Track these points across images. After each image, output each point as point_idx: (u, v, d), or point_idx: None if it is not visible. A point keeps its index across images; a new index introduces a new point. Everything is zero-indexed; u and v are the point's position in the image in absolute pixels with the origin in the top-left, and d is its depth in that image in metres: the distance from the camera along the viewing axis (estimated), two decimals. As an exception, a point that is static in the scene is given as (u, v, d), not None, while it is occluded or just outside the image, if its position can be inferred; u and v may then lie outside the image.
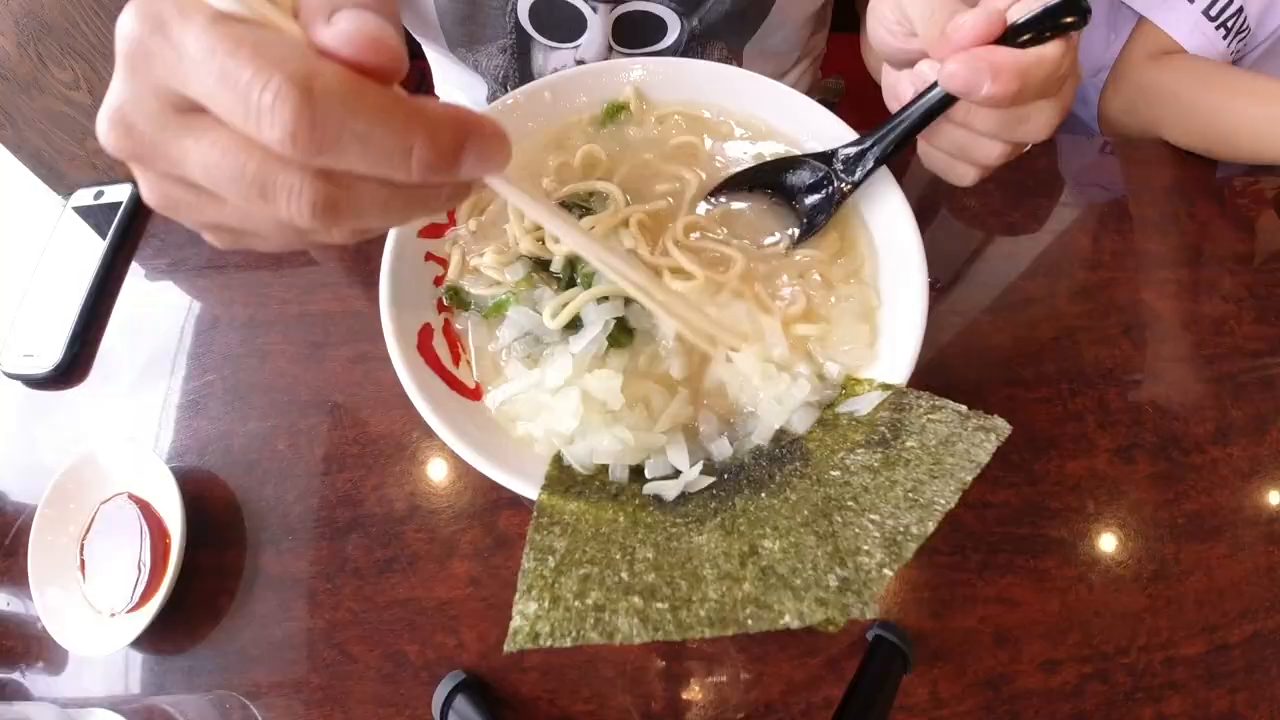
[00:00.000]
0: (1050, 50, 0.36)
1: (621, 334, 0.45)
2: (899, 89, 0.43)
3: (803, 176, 0.48)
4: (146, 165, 0.26)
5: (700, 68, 0.54)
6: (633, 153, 0.53)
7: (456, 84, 0.80)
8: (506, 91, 0.71)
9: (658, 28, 0.66)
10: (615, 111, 0.54)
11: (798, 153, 0.50)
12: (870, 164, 0.45)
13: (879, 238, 0.48)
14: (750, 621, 0.33)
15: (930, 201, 0.67)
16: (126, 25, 0.24)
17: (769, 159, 0.51)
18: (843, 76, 0.95)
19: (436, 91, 0.87)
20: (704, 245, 0.49)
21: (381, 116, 0.23)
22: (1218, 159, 0.70)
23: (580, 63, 0.67)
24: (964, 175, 0.43)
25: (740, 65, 0.71)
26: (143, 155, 0.25)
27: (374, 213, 0.26)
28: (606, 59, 0.67)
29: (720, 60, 0.70)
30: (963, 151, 0.42)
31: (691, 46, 0.67)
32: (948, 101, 0.40)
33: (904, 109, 0.42)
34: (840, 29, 0.81)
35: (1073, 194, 0.68)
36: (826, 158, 0.47)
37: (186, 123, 0.24)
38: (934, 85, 0.40)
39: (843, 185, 0.46)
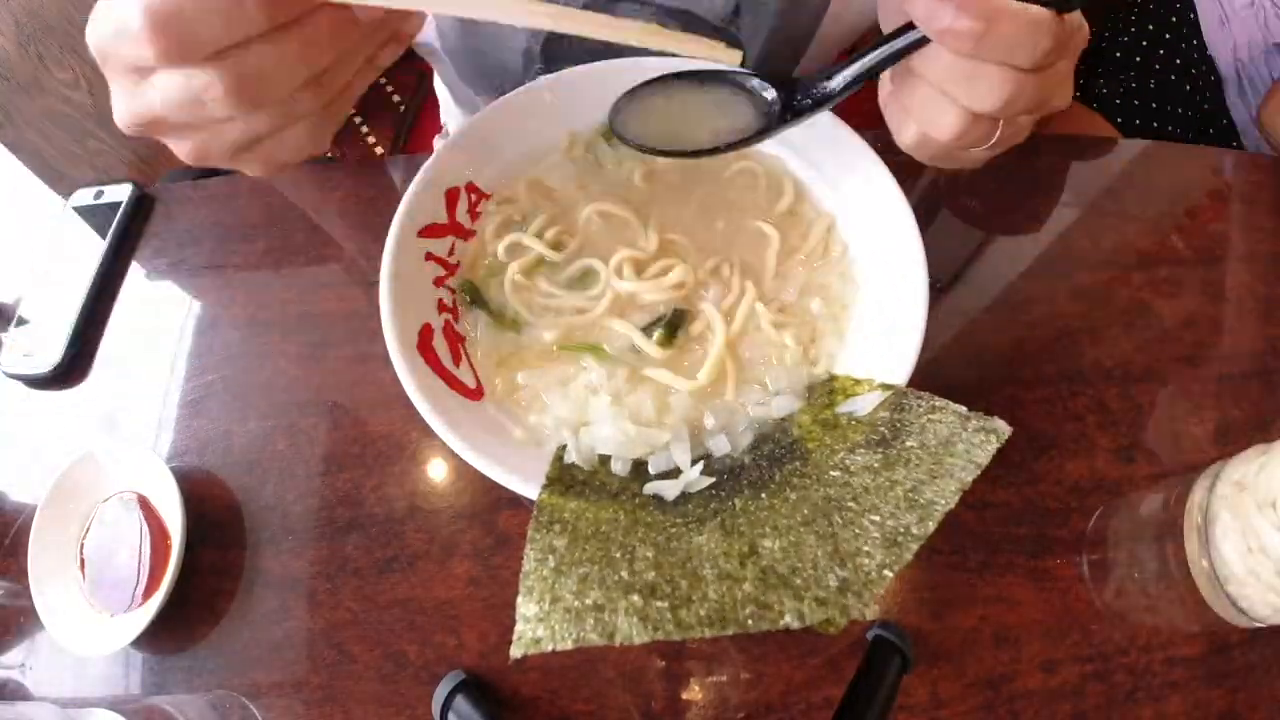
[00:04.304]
0: (1032, 11, 0.33)
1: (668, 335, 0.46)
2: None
3: (744, 86, 0.44)
4: (149, 126, 0.35)
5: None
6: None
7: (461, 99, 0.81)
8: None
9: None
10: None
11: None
12: (828, 89, 0.41)
13: (879, 238, 0.49)
14: (750, 621, 0.33)
15: (930, 201, 0.67)
16: (91, 45, 0.33)
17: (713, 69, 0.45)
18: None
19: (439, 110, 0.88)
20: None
21: None
22: None
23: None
24: (909, 138, 0.41)
25: None
26: (144, 118, 0.34)
27: (289, 83, 0.32)
28: None
29: None
30: (922, 117, 0.39)
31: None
32: (912, 46, 0.37)
33: (871, 47, 0.39)
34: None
35: (1073, 194, 0.68)
36: (781, 83, 0.43)
37: (145, 78, 0.32)
38: (906, 28, 0.37)
39: (799, 103, 0.42)
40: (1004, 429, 0.37)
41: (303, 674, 0.49)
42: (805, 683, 0.48)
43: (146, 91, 0.32)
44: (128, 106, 0.34)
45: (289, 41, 0.31)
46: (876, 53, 0.39)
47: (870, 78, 0.40)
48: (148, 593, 0.50)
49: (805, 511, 0.38)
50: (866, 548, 0.35)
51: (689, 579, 0.35)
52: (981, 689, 0.48)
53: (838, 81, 0.41)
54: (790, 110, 0.42)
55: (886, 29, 0.41)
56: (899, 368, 0.43)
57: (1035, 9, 0.34)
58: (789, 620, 0.33)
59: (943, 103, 0.38)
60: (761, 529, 0.37)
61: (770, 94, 0.43)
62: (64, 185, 0.71)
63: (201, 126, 0.34)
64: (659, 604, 0.34)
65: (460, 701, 0.46)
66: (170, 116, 0.33)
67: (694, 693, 0.48)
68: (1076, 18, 0.36)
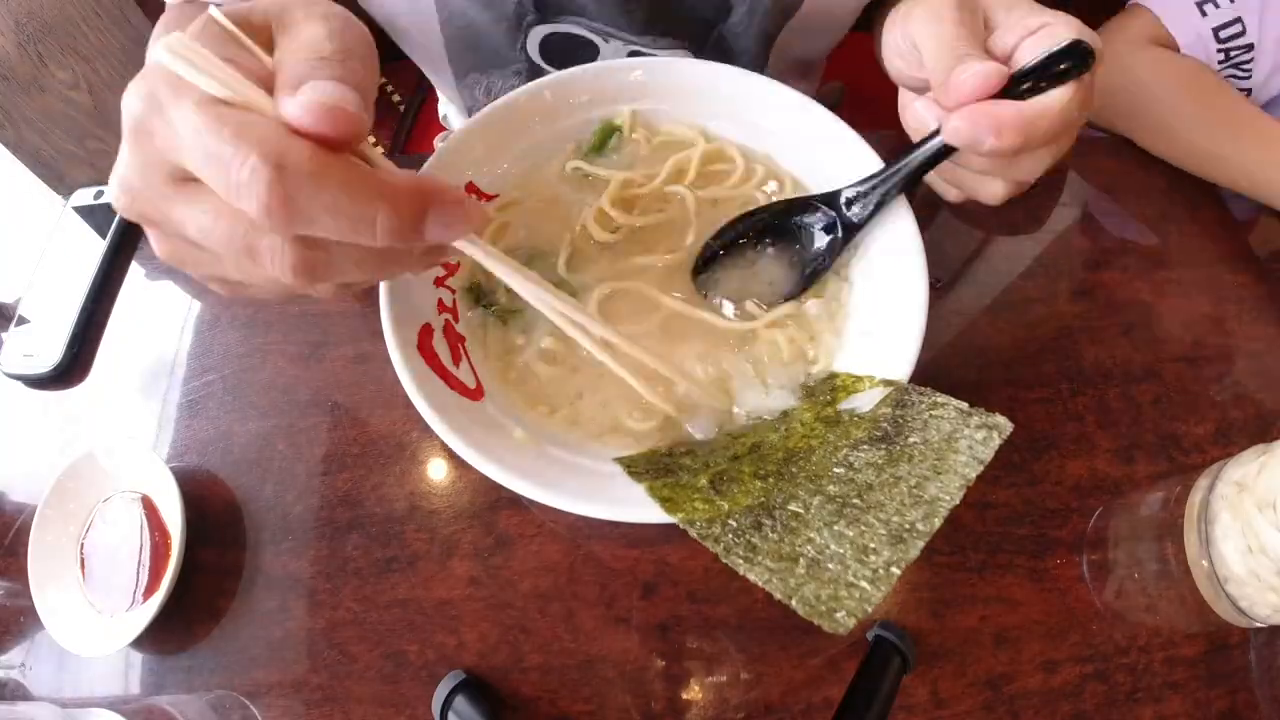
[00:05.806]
0: (1054, 100, 0.36)
1: None
2: (908, 115, 0.44)
3: (805, 221, 0.49)
4: (153, 226, 0.30)
5: (705, 70, 0.53)
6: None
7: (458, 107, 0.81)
8: None
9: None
10: (607, 136, 0.54)
11: (800, 195, 0.51)
12: (873, 206, 0.46)
13: (879, 237, 0.49)
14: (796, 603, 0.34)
15: (930, 201, 0.67)
16: (129, 103, 0.27)
17: (769, 201, 0.51)
18: (841, 80, 0.95)
19: (439, 110, 0.89)
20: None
21: (346, 190, 0.25)
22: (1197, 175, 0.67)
23: None
24: (954, 199, 0.48)
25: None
26: (149, 218, 0.29)
27: (351, 271, 0.29)
28: None
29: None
30: (966, 188, 0.44)
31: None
32: (950, 149, 0.41)
33: (907, 153, 0.43)
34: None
35: (1073, 194, 0.68)
36: (832, 199, 0.48)
37: (184, 191, 0.27)
38: (937, 132, 0.40)
39: (848, 226, 0.47)
40: (1005, 425, 0.37)
41: (303, 674, 0.49)
42: (805, 683, 0.48)
43: (189, 217, 0.27)
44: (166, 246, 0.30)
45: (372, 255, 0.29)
46: (911, 163, 0.43)
47: (910, 185, 0.44)
48: (148, 593, 0.50)
49: (829, 508, 0.38)
50: (873, 544, 0.35)
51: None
52: (981, 689, 0.48)
53: (875, 199, 0.46)
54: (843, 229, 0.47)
55: (889, 71, 0.46)
56: (899, 367, 0.43)
57: (1061, 94, 0.36)
58: (795, 602, 0.33)
59: (988, 179, 0.42)
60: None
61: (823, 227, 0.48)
62: (64, 185, 0.71)
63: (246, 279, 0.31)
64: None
65: (460, 701, 0.46)
66: (210, 246, 0.28)
67: (694, 693, 0.48)
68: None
